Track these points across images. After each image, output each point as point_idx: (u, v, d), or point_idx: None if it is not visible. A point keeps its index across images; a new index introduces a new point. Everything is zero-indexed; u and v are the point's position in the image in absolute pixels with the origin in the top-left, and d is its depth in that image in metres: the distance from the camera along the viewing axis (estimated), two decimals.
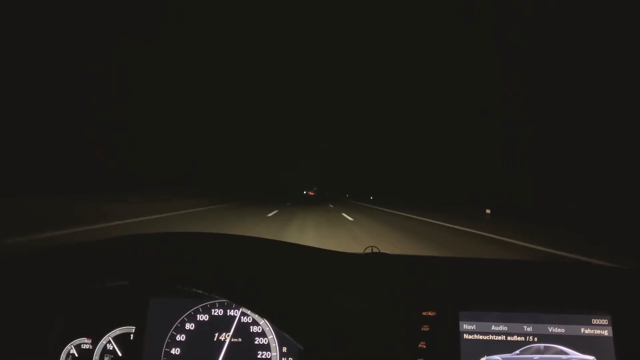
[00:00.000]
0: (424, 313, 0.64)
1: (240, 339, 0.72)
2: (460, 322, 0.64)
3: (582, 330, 0.64)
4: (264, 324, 0.73)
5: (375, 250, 0.91)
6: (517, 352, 0.63)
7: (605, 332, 0.64)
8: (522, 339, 0.64)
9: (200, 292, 0.65)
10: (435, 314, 0.64)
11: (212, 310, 0.74)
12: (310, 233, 5.99)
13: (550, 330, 0.64)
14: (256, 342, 0.72)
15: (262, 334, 0.72)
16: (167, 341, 0.72)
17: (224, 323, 0.73)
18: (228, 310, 0.74)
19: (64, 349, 0.72)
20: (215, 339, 0.72)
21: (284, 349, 0.71)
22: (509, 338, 0.64)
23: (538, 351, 0.63)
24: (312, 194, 75.05)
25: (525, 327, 0.64)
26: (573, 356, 0.63)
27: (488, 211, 12.31)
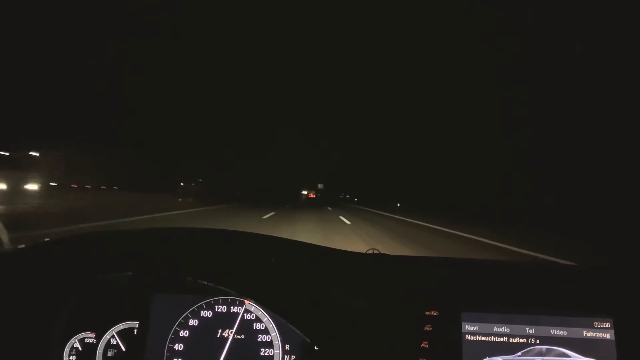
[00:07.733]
0: (427, 313, 0.64)
1: (243, 336, 0.72)
2: (463, 323, 0.65)
3: (584, 333, 0.64)
4: (267, 321, 0.73)
5: (375, 252, 0.92)
6: (519, 354, 0.63)
7: (607, 336, 0.64)
8: (524, 341, 0.64)
9: (206, 283, 0.66)
10: (437, 314, 0.64)
11: (216, 306, 0.75)
12: None
13: (552, 333, 0.64)
14: (259, 339, 0.72)
15: (266, 331, 0.73)
16: (171, 337, 0.73)
17: (227, 320, 0.73)
18: (231, 307, 0.74)
19: (68, 342, 0.73)
20: (218, 336, 0.72)
21: (287, 346, 0.71)
22: (511, 340, 0.64)
23: (540, 353, 0.63)
24: (312, 196, 63.56)
25: (527, 329, 0.65)
26: (575, 359, 0.63)
27: None
